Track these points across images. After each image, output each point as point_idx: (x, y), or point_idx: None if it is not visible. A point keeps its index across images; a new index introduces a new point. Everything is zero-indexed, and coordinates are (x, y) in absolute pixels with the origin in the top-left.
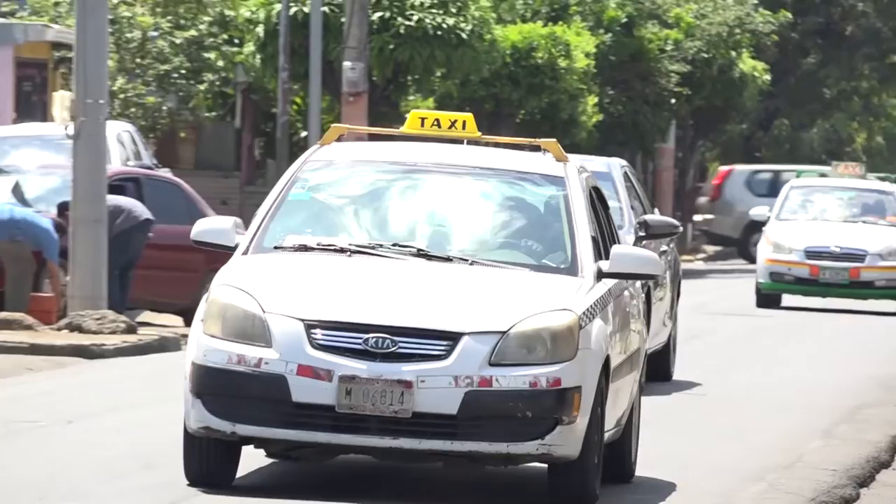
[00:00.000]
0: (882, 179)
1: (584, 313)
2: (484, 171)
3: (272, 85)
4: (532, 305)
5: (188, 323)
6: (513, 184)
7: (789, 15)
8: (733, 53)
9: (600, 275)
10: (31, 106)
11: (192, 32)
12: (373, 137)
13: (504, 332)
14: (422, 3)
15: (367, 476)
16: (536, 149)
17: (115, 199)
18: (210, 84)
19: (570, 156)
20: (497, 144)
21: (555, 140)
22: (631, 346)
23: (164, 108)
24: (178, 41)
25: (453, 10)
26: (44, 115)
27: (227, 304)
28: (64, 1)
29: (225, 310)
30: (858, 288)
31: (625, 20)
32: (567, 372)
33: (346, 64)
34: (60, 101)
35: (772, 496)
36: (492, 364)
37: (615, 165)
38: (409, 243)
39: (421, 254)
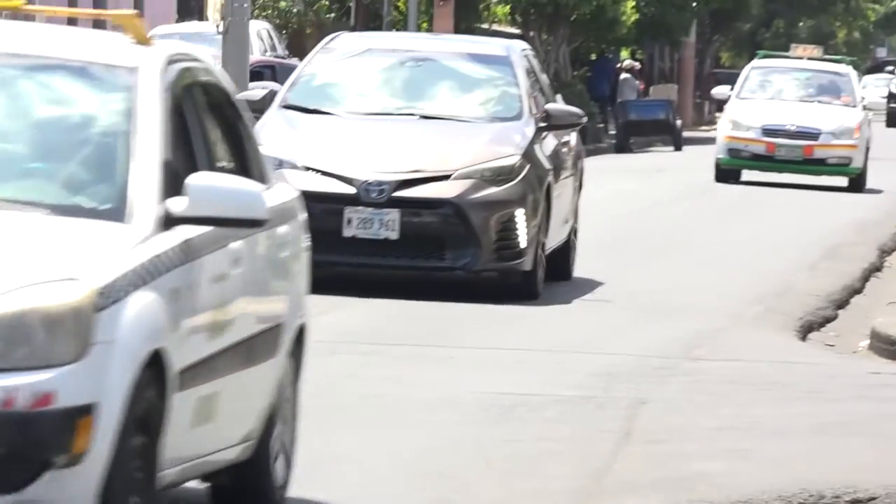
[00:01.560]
0: (837, 62)
1: (111, 284)
2: (8, 64)
3: None
4: (20, 273)
5: None
6: (51, 81)
7: None
8: None
9: (169, 221)
10: (189, 9)
11: None
12: None
13: None
14: None
15: None
16: (109, 28)
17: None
18: None
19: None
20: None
21: (136, 13)
22: (246, 327)
23: (294, 10)
24: None
25: None
26: (200, 15)
27: None
28: None
29: None
30: (812, 165)
31: None
32: (67, 381)
33: None
34: (213, 5)
35: (769, 315)
36: None
37: (514, 49)
38: None
39: None
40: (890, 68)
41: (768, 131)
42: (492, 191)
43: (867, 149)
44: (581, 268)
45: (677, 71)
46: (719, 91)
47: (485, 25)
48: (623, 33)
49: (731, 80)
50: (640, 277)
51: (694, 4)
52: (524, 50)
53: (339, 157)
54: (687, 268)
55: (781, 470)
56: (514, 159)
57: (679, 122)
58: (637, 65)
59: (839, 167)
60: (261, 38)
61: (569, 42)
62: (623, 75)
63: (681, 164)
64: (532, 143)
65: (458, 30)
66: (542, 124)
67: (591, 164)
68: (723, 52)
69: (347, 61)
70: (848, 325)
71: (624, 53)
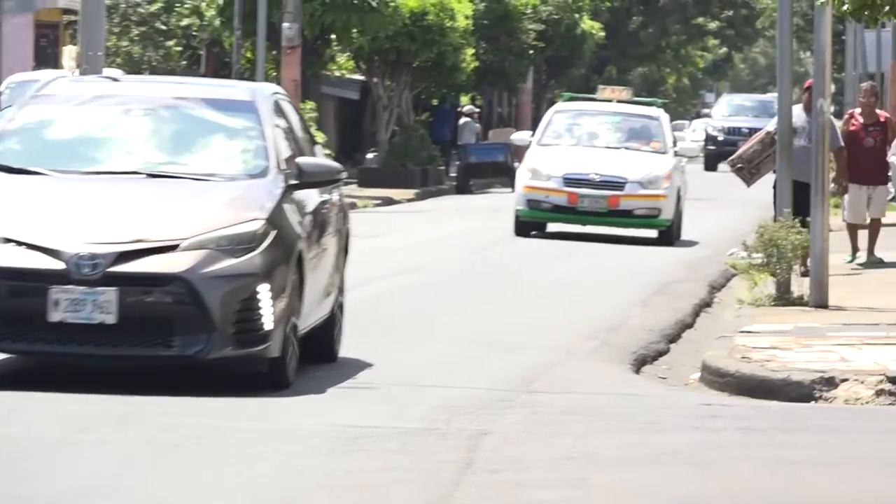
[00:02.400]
0: (647, 104)
1: None
2: None
3: (229, 41)
4: None
5: None
6: None
7: None
8: (577, 16)
9: None
10: (46, 57)
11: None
12: None
13: None
14: None
15: None
16: None
17: None
18: (180, 40)
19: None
20: None
21: None
22: None
23: (146, 58)
24: (153, 9)
25: None
26: (56, 64)
27: None
28: None
29: None
30: (618, 216)
31: None
32: None
33: (285, 24)
34: (68, 53)
35: (604, 350)
36: None
37: (262, 93)
38: None
39: None
40: (706, 111)
41: (570, 181)
42: (229, 263)
43: (679, 198)
44: (424, 305)
45: (515, 115)
46: (519, 137)
47: (329, 73)
48: (463, 80)
49: None
50: (478, 315)
51: (531, 52)
52: (275, 94)
53: (46, 226)
54: (524, 305)
55: (616, 498)
56: (257, 224)
57: (516, 165)
58: (476, 109)
59: (647, 219)
60: None
61: (411, 88)
62: (463, 119)
63: None
64: (280, 203)
65: (304, 77)
66: (294, 181)
67: (433, 205)
68: (558, 98)
69: (65, 111)
70: (679, 358)
71: (464, 99)
